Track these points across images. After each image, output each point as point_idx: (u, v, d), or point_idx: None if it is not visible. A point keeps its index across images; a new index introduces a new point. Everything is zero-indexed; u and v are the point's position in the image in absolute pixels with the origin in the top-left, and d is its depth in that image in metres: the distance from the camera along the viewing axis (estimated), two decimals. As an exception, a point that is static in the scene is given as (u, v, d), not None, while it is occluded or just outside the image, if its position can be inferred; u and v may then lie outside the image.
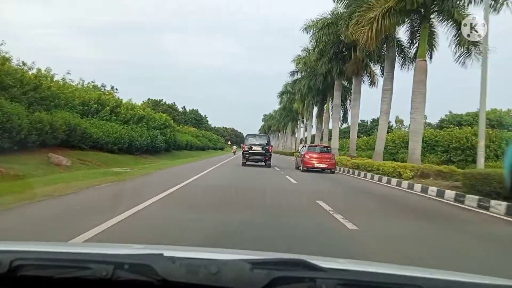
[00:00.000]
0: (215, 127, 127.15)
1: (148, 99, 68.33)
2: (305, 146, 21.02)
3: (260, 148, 20.63)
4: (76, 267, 1.05)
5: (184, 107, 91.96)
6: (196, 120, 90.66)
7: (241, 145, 23.50)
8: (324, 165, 18.08)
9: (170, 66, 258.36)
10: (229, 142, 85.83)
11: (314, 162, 18.07)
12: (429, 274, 1.15)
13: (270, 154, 20.93)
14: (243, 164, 20.46)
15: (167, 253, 1.10)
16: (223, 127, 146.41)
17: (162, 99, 75.54)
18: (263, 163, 20.64)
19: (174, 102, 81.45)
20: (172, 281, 0.98)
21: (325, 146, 20.98)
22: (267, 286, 0.95)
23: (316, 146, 21.33)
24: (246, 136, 22.82)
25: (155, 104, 67.79)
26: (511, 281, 1.16)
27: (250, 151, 20.60)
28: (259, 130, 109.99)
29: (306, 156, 18.51)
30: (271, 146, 21.83)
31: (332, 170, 18.36)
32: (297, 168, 20.30)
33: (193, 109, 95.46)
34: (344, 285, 0.98)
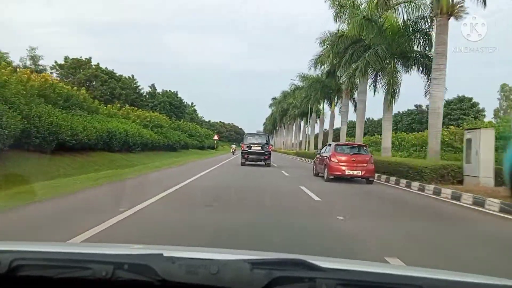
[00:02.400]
0: (209, 121, 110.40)
1: (66, 57, 45.52)
2: (329, 145, 15.11)
3: (260, 148, 20.85)
4: (76, 267, 1.05)
5: (153, 85, 64.27)
6: (173, 105, 63.48)
7: (241, 144, 23.60)
8: (359, 172, 13.00)
9: (169, 62, 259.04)
10: (216, 137, 54.15)
11: (344, 168, 13.03)
12: (430, 274, 1.15)
13: (270, 154, 21.12)
14: (242, 164, 20.63)
15: (167, 253, 1.10)
16: (220, 121, 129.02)
17: (90, 58, 46.58)
18: (262, 163, 20.81)
19: (132, 75, 53.82)
20: (172, 281, 0.98)
21: (359, 145, 15.17)
22: (267, 286, 0.96)
23: (345, 144, 15.21)
24: (245, 135, 23.03)
25: (76, 65, 44.84)
26: (511, 281, 1.16)
27: (249, 150, 20.84)
28: (264, 125, 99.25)
29: (333, 159, 13.28)
30: (271, 145, 22.02)
31: (370, 179, 13.27)
32: (316, 175, 15.44)
33: (167, 90, 65.86)
34: (344, 285, 0.98)
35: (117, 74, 49.73)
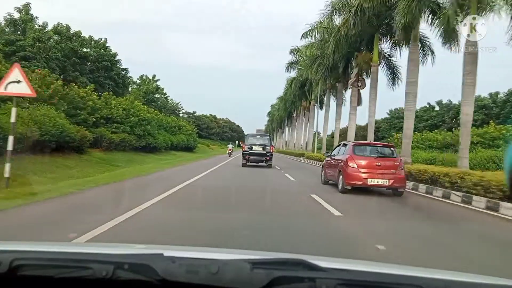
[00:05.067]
0: (194, 112, 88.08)
1: None
2: (345, 145, 12.08)
3: (261, 148, 20.78)
4: (76, 267, 1.05)
5: (26, 5, 32.88)
6: (85, 60, 36.46)
7: (241, 144, 23.58)
8: (385, 181, 10.18)
9: (168, 62, 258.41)
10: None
11: (366, 176, 10.26)
12: (430, 274, 1.15)
13: (271, 154, 21.10)
14: (243, 165, 20.56)
15: (167, 253, 1.11)
16: (211, 115, 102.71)
17: None
18: (264, 164, 20.75)
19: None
20: (172, 281, 0.98)
21: (384, 145, 12.23)
22: (267, 286, 0.96)
23: (366, 144, 12.19)
24: (246, 135, 23.09)
25: None
26: (511, 281, 1.16)
27: (250, 151, 20.76)
28: (268, 115, 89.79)
29: (350, 164, 10.48)
30: (272, 146, 21.97)
31: (400, 190, 10.46)
32: (326, 183, 12.70)
33: (67, 25, 35.16)
34: (344, 285, 0.98)
35: None
